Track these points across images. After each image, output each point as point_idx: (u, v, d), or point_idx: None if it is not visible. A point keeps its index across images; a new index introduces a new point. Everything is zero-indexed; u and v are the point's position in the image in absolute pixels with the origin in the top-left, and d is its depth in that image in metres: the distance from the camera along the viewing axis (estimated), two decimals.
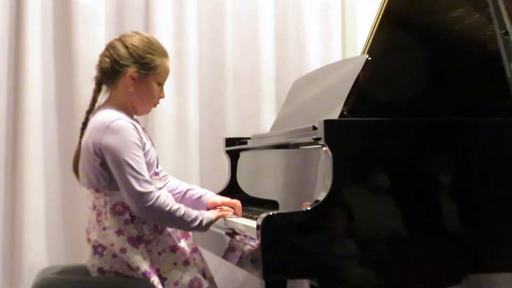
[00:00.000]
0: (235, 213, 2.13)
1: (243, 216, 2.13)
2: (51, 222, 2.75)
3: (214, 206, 2.14)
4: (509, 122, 1.90)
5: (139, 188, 1.86)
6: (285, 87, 2.86)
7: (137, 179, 1.86)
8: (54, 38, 2.79)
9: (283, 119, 2.55)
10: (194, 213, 1.96)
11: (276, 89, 3.03)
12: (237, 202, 2.16)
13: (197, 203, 2.17)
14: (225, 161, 2.68)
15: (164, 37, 2.77)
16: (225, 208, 2.10)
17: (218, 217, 2.03)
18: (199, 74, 2.95)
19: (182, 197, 2.20)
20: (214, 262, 2.40)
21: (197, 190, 2.22)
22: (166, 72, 2.03)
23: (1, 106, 2.71)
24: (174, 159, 2.89)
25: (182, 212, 1.92)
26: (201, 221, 1.95)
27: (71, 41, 2.77)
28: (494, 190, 1.87)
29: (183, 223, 1.94)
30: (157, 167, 2.05)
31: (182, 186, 2.23)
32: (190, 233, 2.09)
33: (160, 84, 2.03)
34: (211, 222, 1.99)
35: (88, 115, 2.01)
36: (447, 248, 1.83)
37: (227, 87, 2.97)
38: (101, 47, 2.80)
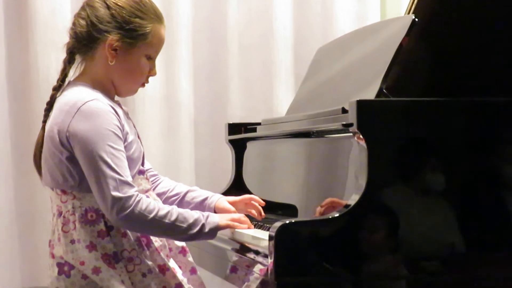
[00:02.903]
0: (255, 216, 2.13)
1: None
2: (3, 233, 2.79)
3: (225, 212, 2.14)
4: None
5: (114, 193, 1.86)
6: (305, 58, 2.88)
7: (113, 179, 1.86)
8: None
9: (302, 99, 2.56)
10: (192, 215, 1.95)
11: (294, 61, 3.09)
12: (259, 200, 2.17)
13: (201, 208, 2.17)
14: (228, 154, 2.70)
15: None
16: (239, 217, 2.07)
17: (227, 226, 2.01)
18: (193, 42, 3.02)
19: (180, 201, 2.22)
20: (213, 285, 2.43)
21: (200, 192, 2.24)
22: (159, 42, 2.04)
23: None
24: (162, 151, 2.95)
25: (173, 217, 1.92)
26: (203, 225, 1.94)
27: None
28: None
29: (178, 231, 1.93)
30: (142, 164, 2.06)
31: (180, 187, 2.25)
32: (187, 248, 2.09)
33: (151, 58, 2.04)
34: (216, 228, 1.97)
35: (55, 93, 2.02)
36: None
37: (230, 59, 3.04)
38: (66, 4, 2.78)
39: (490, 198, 1.88)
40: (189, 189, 2.24)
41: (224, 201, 2.19)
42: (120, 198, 1.87)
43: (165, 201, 2.17)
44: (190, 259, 2.09)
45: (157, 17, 2.03)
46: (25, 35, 2.79)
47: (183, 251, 2.09)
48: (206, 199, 2.21)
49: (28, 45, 2.78)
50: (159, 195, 2.17)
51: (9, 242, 2.81)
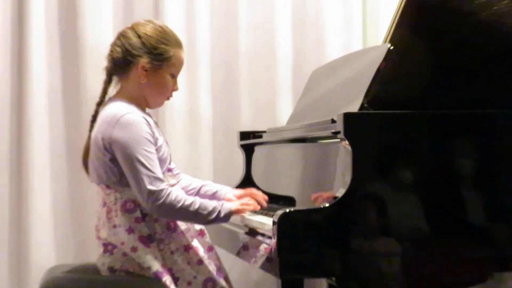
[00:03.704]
0: (259, 203, 2.18)
1: (259, 213, 2.18)
2: (59, 219, 2.83)
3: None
4: None
5: (149, 187, 1.93)
6: (303, 77, 2.90)
7: (148, 176, 1.93)
8: (60, 27, 2.86)
9: (300, 111, 2.59)
10: (211, 204, 2.02)
11: (293, 79, 3.07)
12: (258, 192, 2.22)
13: (213, 199, 2.22)
14: (239, 156, 2.76)
15: (174, 24, 2.84)
16: (246, 201, 2.13)
17: (237, 210, 2.07)
18: (211, 63, 3.01)
19: (196, 194, 2.28)
20: (228, 260, 2.45)
21: (212, 186, 2.31)
22: (180, 63, 2.10)
23: (5, 99, 2.80)
24: (186, 154, 2.96)
25: (196, 206, 1.99)
26: (219, 212, 2.01)
27: (77, 29, 2.83)
28: None
29: (200, 217, 2.00)
30: (169, 164, 2.13)
31: (196, 183, 2.32)
32: (206, 230, 2.17)
33: (174, 76, 2.10)
34: (230, 213, 2.04)
35: (98, 107, 2.09)
36: (475, 246, 1.89)
37: (241, 78, 3.02)
38: (108, 36, 2.82)
39: (453, 194, 1.90)
40: (203, 184, 2.32)
41: (231, 194, 2.26)
42: (154, 191, 1.94)
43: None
44: (207, 239, 2.17)
45: (178, 43, 2.10)
46: (76, 60, 2.84)
47: (201, 233, 2.16)
48: (216, 192, 2.28)
49: (79, 69, 2.84)
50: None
51: (65, 227, 2.84)
